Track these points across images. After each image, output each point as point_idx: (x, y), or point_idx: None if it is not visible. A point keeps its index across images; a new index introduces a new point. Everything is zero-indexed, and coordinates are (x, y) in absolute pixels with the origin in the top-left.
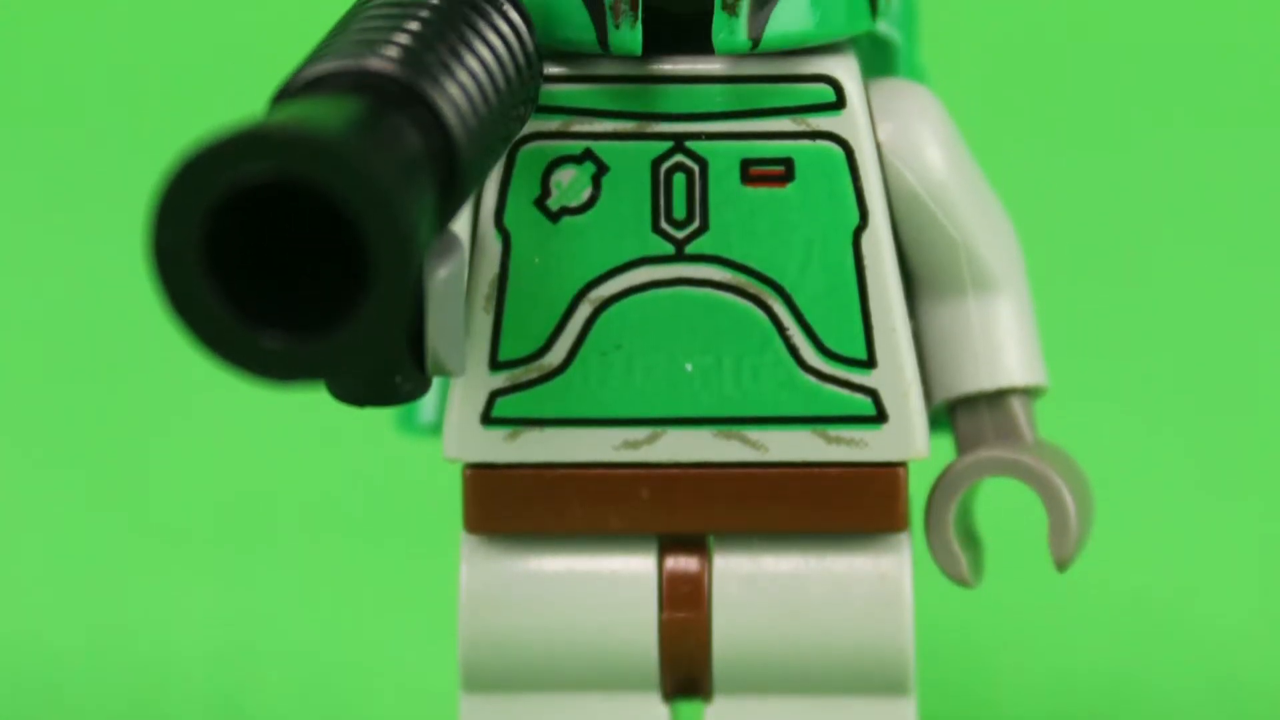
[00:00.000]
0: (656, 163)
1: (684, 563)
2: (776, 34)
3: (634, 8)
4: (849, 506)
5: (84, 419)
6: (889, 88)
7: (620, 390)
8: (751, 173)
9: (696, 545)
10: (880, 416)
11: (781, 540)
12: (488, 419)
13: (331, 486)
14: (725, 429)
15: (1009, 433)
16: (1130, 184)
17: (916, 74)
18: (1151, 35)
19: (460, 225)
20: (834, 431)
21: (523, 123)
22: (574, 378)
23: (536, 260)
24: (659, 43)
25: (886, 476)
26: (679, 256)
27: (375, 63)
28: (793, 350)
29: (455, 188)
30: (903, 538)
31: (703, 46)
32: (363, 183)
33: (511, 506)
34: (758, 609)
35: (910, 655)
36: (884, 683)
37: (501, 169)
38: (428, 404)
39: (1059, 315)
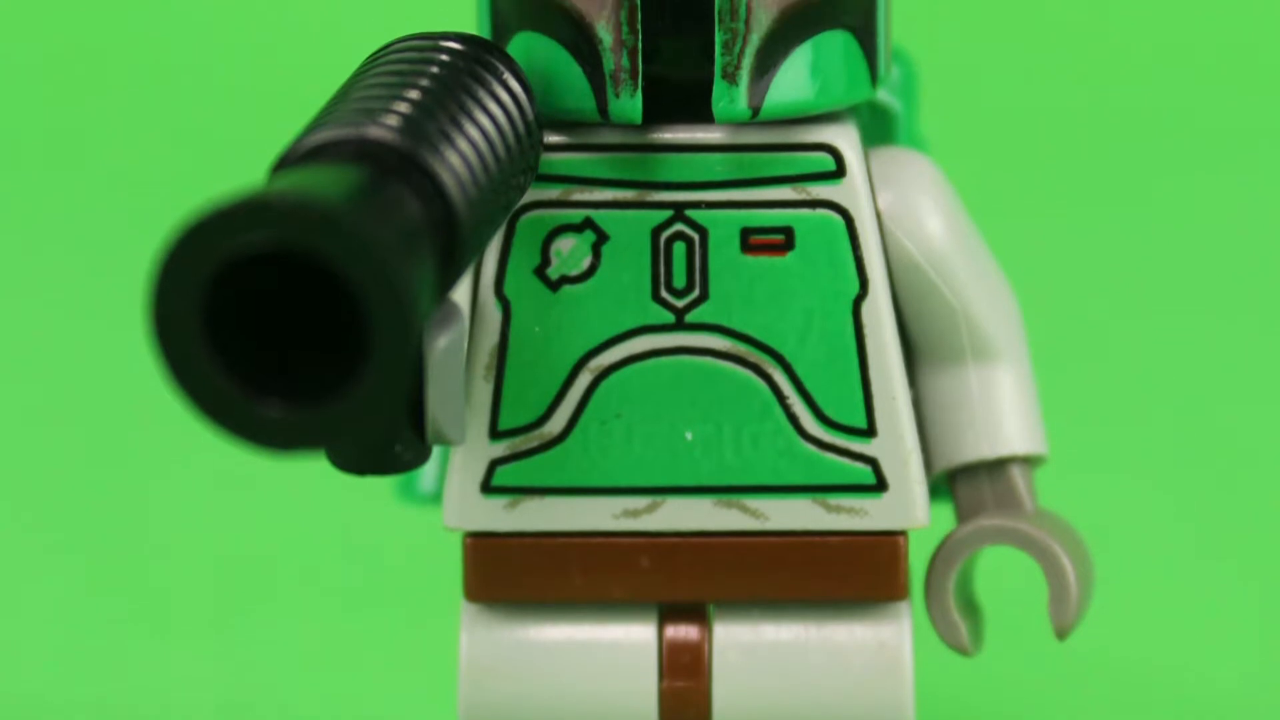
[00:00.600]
0: (656, 231)
1: (684, 631)
2: (777, 103)
3: (634, 76)
4: (849, 575)
5: (82, 484)
6: (889, 156)
7: (620, 459)
8: (751, 241)
9: (697, 614)
10: (880, 485)
11: (782, 609)
12: (488, 488)
13: (331, 555)
14: (725, 498)
15: (1009, 501)
16: (1131, 253)
17: (917, 143)
18: (1153, 104)
19: (460, 294)
20: (834, 500)
21: (523, 191)
22: (574, 446)
23: (536, 329)
24: (659, 111)
25: (887, 545)
26: (679, 325)
27: (375, 131)
28: (793, 419)
29: (455, 257)
30: (903, 606)
31: (703, 115)
32: (363, 252)
33: (511, 575)
34: (758, 678)
35: None
36: None
37: (501, 238)
38: (428, 473)
39: (1060, 384)
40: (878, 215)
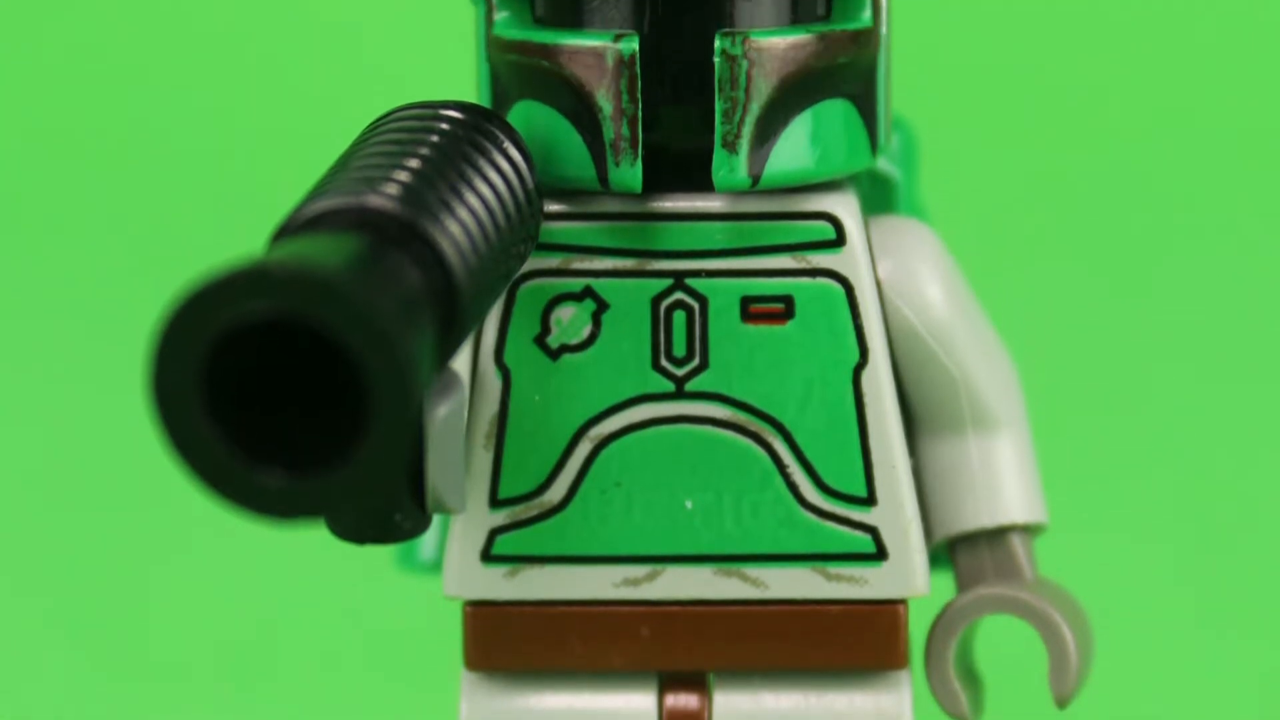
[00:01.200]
0: (656, 300)
1: (684, 700)
2: (777, 171)
3: (634, 145)
4: (849, 644)
5: (83, 556)
6: (889, 225)
7: (620, 527)
8: (751, 310)
9: (697, 682)
10: (880, 554)
11: (781, 677)
12: (488, 556)
13: (331, 623)
14: (725, 566)
15: (1009, 570)
16: (1131, 323)
17: (917, 211)
18: (1155, 172)
19: (460, 363)
20: (834, 569)
21: (523, 260)
22: (574, 515)
23: (536, 398)
24: (659, 180)
25: (887, 614)
26: (679, 394)
27: (375, 200)
28: (793, 487)
29: (455, 325)
30: (903, 675)
31: (703, 183)
32: (363, 321)
33: (512, 644)
34: None
35: None
36: None
37: (501, 306)
38: (428, 541)
39: (1059, 451)
40: (878, 284)
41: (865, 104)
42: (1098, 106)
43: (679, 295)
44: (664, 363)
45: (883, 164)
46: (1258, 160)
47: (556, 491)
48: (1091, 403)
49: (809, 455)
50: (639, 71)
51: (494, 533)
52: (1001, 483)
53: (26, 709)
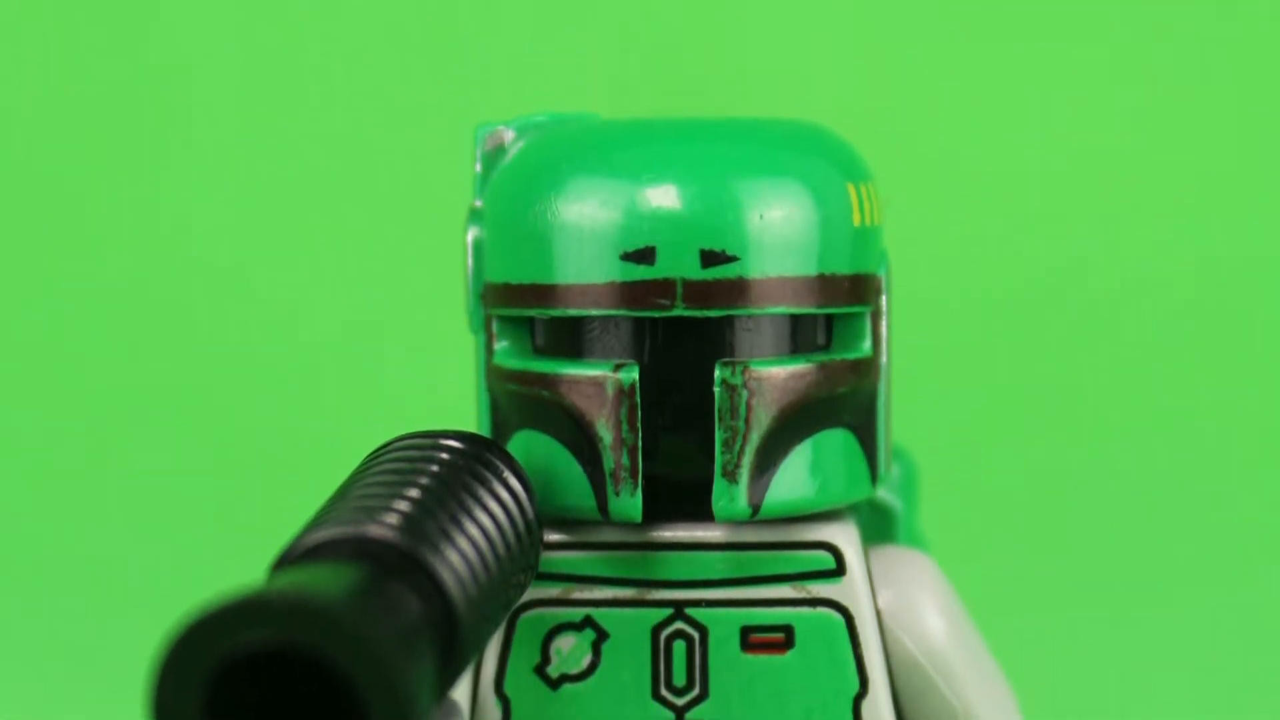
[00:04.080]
0: (657, 630)
1: None
2: (777, 501)
3: (634, 475)
4: None
5: None
6: (889, 555)
7: None
8: (751, 640)
9: None
10: None
11: None
12: None
13: None
14: None
15: None
16: (1132, 654)
17: (917, 541)
18: (1155, 507)
19: (460, 692)
20: None
21: (523, 590)
22: None
23: None
24: (659, 509)
25: None
26: None
27: (375, 530)
28: None
29: (455, 655)
30: None
31: (703, 513)
32: (362, 650)
33: None
34: None
35: None
36: None
37: (502, 635)
38: None
39: None
40: (878, 613)
41: (865, 433)
42: (1099, 434)
43: (679, 625)
44: (664, 692)
45: (882, 494)
46: (1261, 483)
47: None
48: None
49: None
50: (639, 401)
51: None
52: None
53: None
